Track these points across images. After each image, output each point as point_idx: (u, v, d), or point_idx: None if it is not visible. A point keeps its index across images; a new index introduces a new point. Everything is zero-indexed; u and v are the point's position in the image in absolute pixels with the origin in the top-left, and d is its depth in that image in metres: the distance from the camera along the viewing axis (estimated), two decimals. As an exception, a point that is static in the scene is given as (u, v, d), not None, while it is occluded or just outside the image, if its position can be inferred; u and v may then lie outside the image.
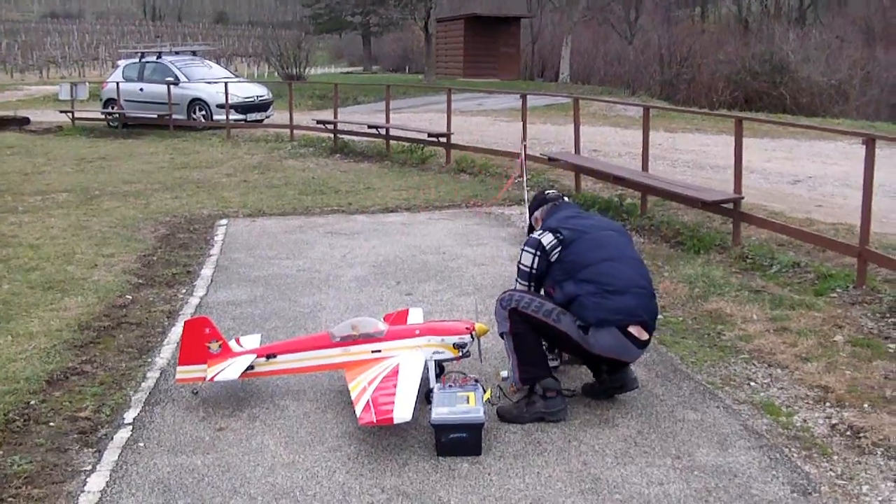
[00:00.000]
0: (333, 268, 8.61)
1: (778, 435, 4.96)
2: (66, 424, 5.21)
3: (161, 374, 5.95)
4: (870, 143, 7.47)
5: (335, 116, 17.74)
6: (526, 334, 5.09)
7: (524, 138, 12.59)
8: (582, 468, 4.56)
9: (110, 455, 4.80)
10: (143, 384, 5.79)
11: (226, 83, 20.24)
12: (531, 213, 5.67)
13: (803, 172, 14.00)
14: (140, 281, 8.22)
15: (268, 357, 5.50)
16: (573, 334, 5.01)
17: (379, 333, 5.47)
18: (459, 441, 4.68)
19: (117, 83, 22.50)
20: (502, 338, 5.24)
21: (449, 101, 15.25)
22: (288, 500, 4.28)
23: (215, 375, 5.27)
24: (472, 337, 5.49)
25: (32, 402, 5.47)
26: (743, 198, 9.18)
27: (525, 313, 5.07)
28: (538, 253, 5.14)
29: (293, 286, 7.96)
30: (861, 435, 4.93)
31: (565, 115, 23.47)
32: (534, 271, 5.18)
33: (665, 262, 8.73)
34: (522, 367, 5.10)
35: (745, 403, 5.39)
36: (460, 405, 4.79)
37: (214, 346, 5.48)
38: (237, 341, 5.72)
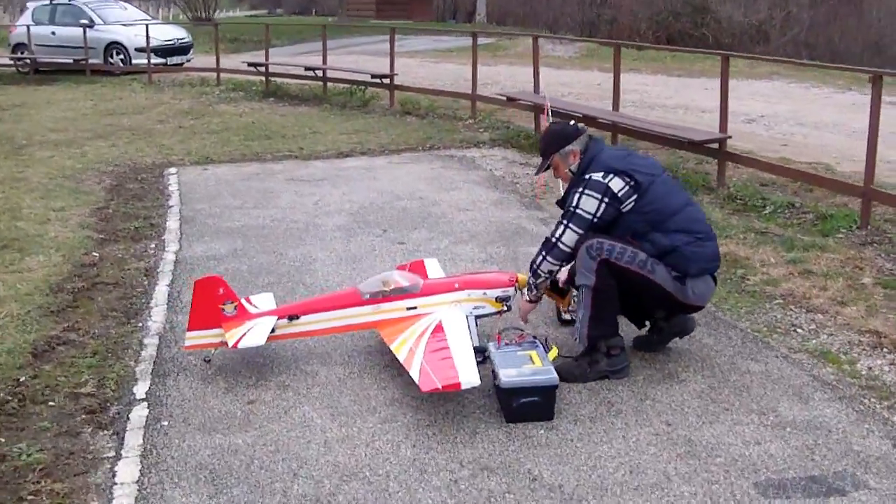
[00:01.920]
0: (309, 217, 8.02)
1: (850, 385, 4.69)
2: (68, 403, 4.58)
3: (160, 340, 5.34)
4: (876, 79, 7.20)
5: (266, 59, 16.82)
6: (608, 289, 4.61)
7: (543, 88, 12.02)
8: (668, 429, 4.20)
9: (133, 438, 4.21)
10: (142, 353, 5.18)
11: (146, 25, 19.03)
12: (557, 149, 4.90)
13: (753, 112, 13.85)
14: (102, 236, 7.50)
15: (290, 318, 4.94)
16: (668, 285, 4.61)
17: (414, 288, 4.97)
18: (531, 405, 4.26)
19: (27, 27, 21.02)
20: (577, 290, 4.73)
21: (392, 42, 14.70)
22: (358, 481, 3.79)
23: (238, 341, 4.70)
24: (515, 289, 5.03)
25: (23, 379, 4.82)
26: (730, 137, 8.91)
27: (618, 265, 4.57)
28: (606, 199, 4.56)
29: (273, 238, 7.37)
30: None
31: (492, 55, 23.04)
32: (596, 220, 4.59)
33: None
34: (594, 324, 4.66)
35: (802, 352, 5.10)
36: (526, 366, 4.36)
37: (229, 308, 4.89)
38: (248, 301, 5.11)
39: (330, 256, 6.90)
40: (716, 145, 8.90)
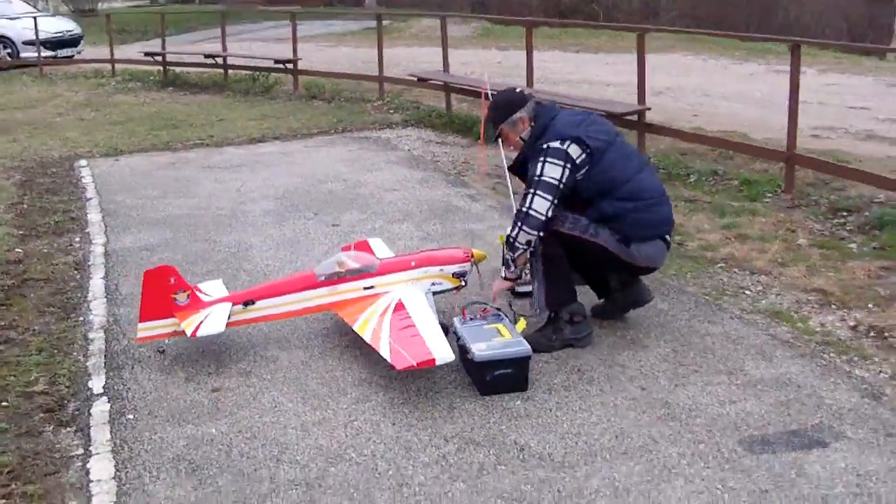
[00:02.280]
0: (234, 203, 7.85)
1: (807, 342, 4.83)
2: (22, 403, 4.38)
3: (106, 333, 5.14)
4: (795, 48, 7.45)
5: (163, 48, 16.33)
6: (557, 257, 4.67)
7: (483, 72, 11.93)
8: (643, 393, 4.25)
9: (100, 433, 4.05)
10: (90, 347, 4.98)
11: (34, 18, 18.23)
12: (505, 118, 4.84)
13: (659, 84, 14.04)
14: (22, 232, 7.18)
15: (245, 304, 4.82)
16: (611, 247, 4.64)
17: (370, 268, 4.91)
18: (505, 377, 4.26)
19: None
20: (528, 260, 4.76)
21: (294, 28, 14.53)
22: (345, 463, 3.73)
23: (196, 329, 4.55)
24: (471, 265, 5.02)
25: (-34, 382, 4.54)
26: (650, 108, 9.04)
27: (559, 231, 4.61)
28: (568, 166, 4.55)
29: (202, 226, 7.18)
30: (887, 334, 4.85)
31: (387, 37, 22.76)
32: (562, 186, 4.57)
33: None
34: (550, 292, 4.69)
35: (754, 313, 5.24)
36: (496, 339, 4.34)
37: (182, 298, 4.73)
38: (198, 289, 4.96)
39: (265, 242, 6.75)
40: (635, 117, 9.00)
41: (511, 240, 4.68)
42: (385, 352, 4.25)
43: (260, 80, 14.61)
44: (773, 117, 9.97)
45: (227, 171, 9.16)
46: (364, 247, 5.79)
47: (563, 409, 4.12)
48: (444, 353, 4.15)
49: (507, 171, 5.04)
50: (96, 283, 5.97)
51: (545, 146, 4.60)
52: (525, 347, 4.27)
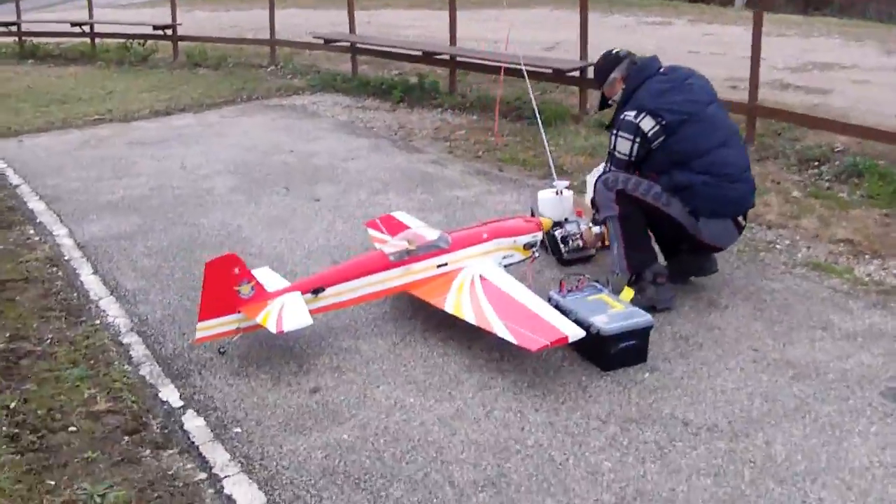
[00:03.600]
0: (189, 182, 7.29)
1: (867, 292, 4.93)
2: (93, 426, 3.88)
3: (141, 337, 4.61)
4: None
5: (18, 17, 14.93)
6: (634, 217, 4.58)
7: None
8: (759, 355, 4.28)
9: (214, 453, 3.63)
10: (132, 354, 4.46)
11: None
12: (603, 80, 4.86)
13: (545, 39, 14.07)
14: (-40, 229, 6.35)
15: (315, 292, 4.43)
16: (682, 220, 4.56)
17: (442, 244, 4.61)
18: (629, 350, 4.11)
19: None
20: (604, 224, 4.64)
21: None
22: (517, 456, 3.55)
23: (279, 323, 4.12)
24: (543, 234, 4.82)
25: (13, 405, 3.97)
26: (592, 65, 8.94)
27: (633, 196, 4.52)
28: (637, 139, 4.52)
29: (170, 208, 6.63)
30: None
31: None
32: (632, 159, 4.57)
33: (533, 136, 8.36)
34: (630, 252, 4.59)
35: (800, 266, 5.34)
36: (611, 310, 4.17)
37: (246, 290, 4.29)
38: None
39: (252, 221, 6.29)
40: (577, 73, 8.93)
41: (593, 202, 4.76)
42: (505, 334, 4.00)
43: (134, 48, 13.58)
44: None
45: (154, 148, 8.50)
46: (391, 220, 5.46)
47: (695, 377, 4.01)
48: (574, 330, 3.95)
49: (606, 129, 4.90)
50: (91, 280, 5.37)
51: (622, 117, 4.58)
52: (648, 317, 4.14)
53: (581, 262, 5.20)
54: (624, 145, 4.54)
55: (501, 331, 4.05)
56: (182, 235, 6.04)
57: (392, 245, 4.64)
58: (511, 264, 4.81)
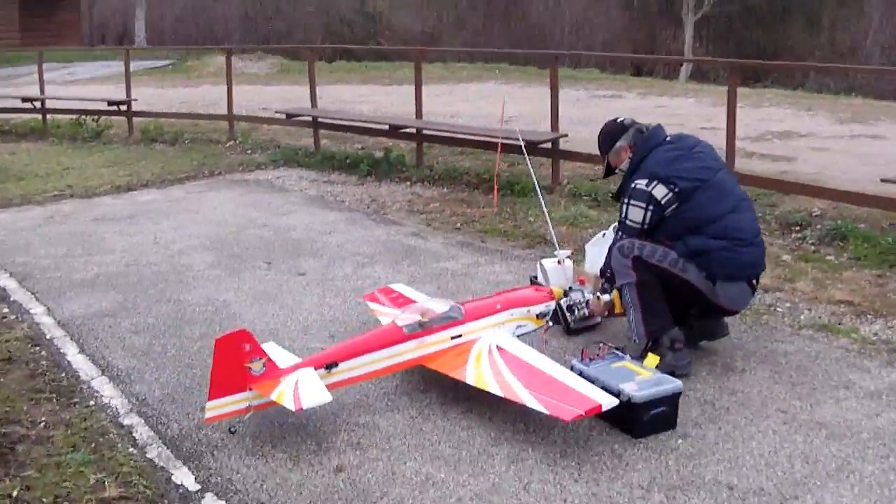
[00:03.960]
0: (165, 257, 7.10)
1: (879, 350, 4.94)
2: (109, 513, 3.59)
3: (142, 418, 4.40)
4: (733, 71, 7.65)
5: (-39, 92, 14.65)
6: (651, 283, 4.53)
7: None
8: (788, 416, 4.26)
9: (246, 537, 3.37)
10: (136, 436, 4.24)
11: None
12: (608, 148, 4.86)
13: (523, 111, 14.16)
14: (-71, 309, 6.05)
15: (328, 367, 4.27)
16: (700, 284, 4.53)
17: (456, 315, 4.50)
18: (660, 416, 4.02)
19: None
20: (621, 291, 4.55)
21: (127, 66, 13.42)
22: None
23: (297, 400, 3.96)
24: (555, 304, 4.76)
25: (15, 494, 3.71)
26: (566, 135, 9.06)
27: (650, 262, 4.46)
28: (650, 207, 4.51)
29: (150, 284, 6.43)
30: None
31: (188, 76, 21.91)
32: (645, 227, 4.56)
33: (510, 208, 8.44)
34: (648, 318, 4.53)
35: (806, 328, 5.32)
36: (638, 377, 4.11)
37: (257, 366, 4.12)
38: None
39: (238, 297, 6.11)
40: (549, 145, 9.00)
41: (609, 274, 4.74)
42: (535, 405, 3.90)
43: (87, 124, 13.37)
44: None
45: (122, 223, 8.29)
46: (390, 293, 5.36)
47: (729, 441, 3.95)
48: (606, 398, 3.85)
49: (612, 199, 4.87)
50: (79, 360, 5.15)
51: (633, 185, 4.57)
52: (678, 383, 4.06)
53: (587, 331, 5.12)
54: (636, 213, 4.53)
55: (531, 402, 3.93)
56: (168, 312, 5.83)
57: (405, 317, 4.51)
58: (525, 334, 4.70)
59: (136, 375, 4.87)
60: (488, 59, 23.61)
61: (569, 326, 5.10)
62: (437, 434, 4.10)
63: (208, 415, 4.05)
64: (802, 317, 5.43)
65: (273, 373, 4.16)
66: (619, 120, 4.84)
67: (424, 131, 10.34)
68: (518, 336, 4.68)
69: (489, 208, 8.28)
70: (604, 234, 5.54)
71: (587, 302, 4.98)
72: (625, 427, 4.02)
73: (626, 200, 4.58)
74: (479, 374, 4.24)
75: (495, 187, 8.54)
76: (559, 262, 5.41)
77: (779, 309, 5.59)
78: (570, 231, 7.51)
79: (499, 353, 4.37)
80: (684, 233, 4.50)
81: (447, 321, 4.51)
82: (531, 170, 6.38)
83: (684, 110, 14.65)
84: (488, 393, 4.12)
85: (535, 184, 6.19)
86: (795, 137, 11.74)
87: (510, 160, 10.29)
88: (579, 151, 9.19)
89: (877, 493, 3.49)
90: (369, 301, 5.41)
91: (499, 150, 8.41)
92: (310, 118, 11.37)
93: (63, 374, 4.94)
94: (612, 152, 4.79)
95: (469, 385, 4.23)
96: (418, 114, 10.37)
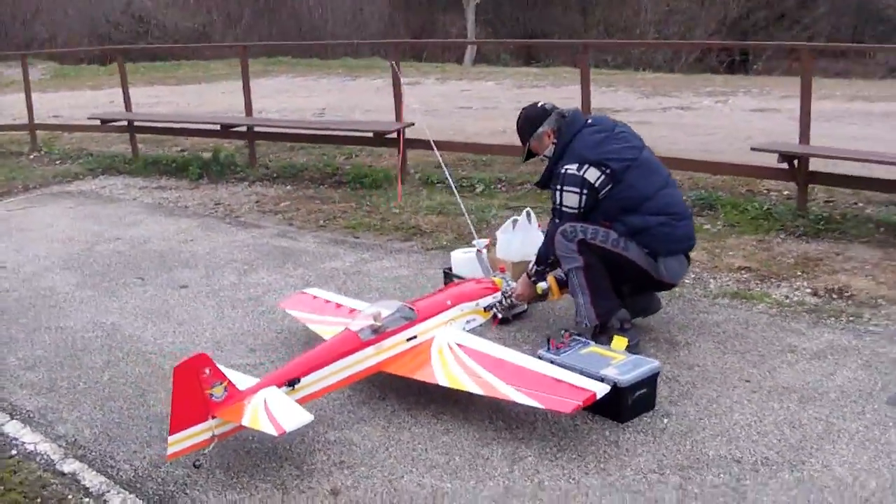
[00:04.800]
0: (19, 283, 6.50)
1: (800, 313, 5.16)
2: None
3: (84, 462, 3.97)
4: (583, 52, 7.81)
5: None
6: (597, 266, 4.54)
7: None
8: (752, 385, 4.32)
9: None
10: (86, 484, 3.82)
11: None
12: (530, 133, 4.75)
13: (313, 106, 13.95)
14: None
15: (290, 384, 4.01)
16: (641, 262, 4.59)
17: (409, 316, 4.35)
18: (643, 398, 4.05)
19: None
20: (567, 275, 4.53)
21: None
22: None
23: (275, 425, 3.66)
24: (501, 294, 4.70)
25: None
26: (412, 124, 8.98)
27: (594, 244, 4.47)
28: (585, 191, 4.49)
29: (19, 313, 5.91)
30: (846, 293, 5.36)
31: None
32: (581, 210, 4.53)
33: (367, 201, 8.25)
34: (598, 301, 4.54)
35: (720, 297, 5.47)
36: (614, 361, 4.11)
37: (219, 391, 3.81)
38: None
39: (126, 318, 5.64)
40: (395, 135, 8.89)
41: (540, 258, 4.71)
42: (527, 401, 3.82)
43: None
44: (463, 122, 10.46)
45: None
46: (308, 298, 5.12)
47: (712, 416, 4.05)
48: (598, 385, 3.82)
49: (535, 186, 4.76)
50: (-27, 409, 4.52)
51: (563, 170, 4.54)
52: (655, 363, 4.09)
53: (516, 320, 5.06)
54: (571, 199, 4.51)
55: (519, 398, 3.83)
56: (55, 342, 5.28)
57: (358, 323, 4.27)
58: (473, 329, 4.58)
59: (52, 416, 4.37)
60: (270, 54, 23.03)
61: (497, 315, 5.01)
62: (419, 441, 3.92)
63: (171, 450, 3.67)
64: (711, 286, 5.61)
65: (235, 396, 3.83)
66: (539, 104, 4.78)
67: (256, 128, 9.89)
68: (468, 330, 4.53)
69: (394, 202, 8.07)
70: (515, 220, 5.48)
71: (511, 290, 4.91)
72: (610, 413, 3.97)
73: (558, 187, 4.53)
74: (450, 374, 4.08)
75: (399, 180, 8.36)
76: (478, 251, 5.30)
77: (686, 280, 5.73)
78: (442, 220, 7.42)
79: (462, 351, 4.24)
80: (620, 213, 4.53)
81: (402, 323, 4.32)
82: (442, 161, 6.20)
83: (490, 93, 14.91)
84: (457, 393, 3.98)
85: (449, 178, 6.06)
86: (612, 113, 12.19)
87: (346, 152, 10.13)
88: (419, 139, 9.12)
89: (872, 449, 3.63)
90: (289, 309, 5.11)
91: (401, 144, 8.11)
92: (125, 122, 10.59)
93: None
94: (534, 137, 4.70)
95: (441, 387, 4.04)
96: (248, 111, 9.90)
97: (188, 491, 3.63)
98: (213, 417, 3.72)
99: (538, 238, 5.08)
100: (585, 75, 7.77)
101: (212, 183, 9.62)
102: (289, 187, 9.24)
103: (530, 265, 4.79)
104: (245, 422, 3.69)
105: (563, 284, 4.74)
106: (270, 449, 3.88)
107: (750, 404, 4.08)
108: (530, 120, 4.72)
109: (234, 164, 9.97)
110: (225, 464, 3.79)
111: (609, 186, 4.50)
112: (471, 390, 3.95)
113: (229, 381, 3.81)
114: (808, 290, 5.46)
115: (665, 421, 3.97)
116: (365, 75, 18.34)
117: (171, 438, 3.63)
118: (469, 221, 5.74)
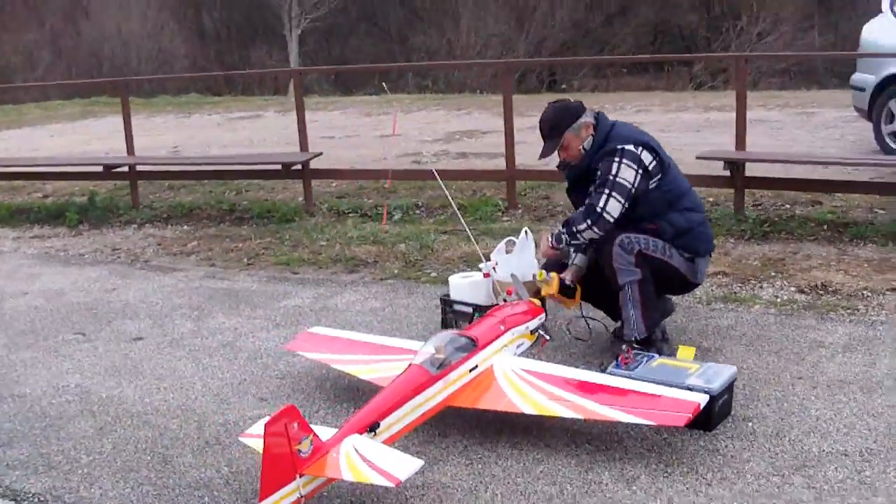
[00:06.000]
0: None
1: (798, 309, 5.30)
2: None
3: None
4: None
5: None
6: (649, 278, 4.48)
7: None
8: (810, 380, 4.36)
9: None
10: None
11: None
12: (571, 122, 4.50)
13: (164, 143, 13.29)
14: None
15: (371, 429, 3.71)
16: (682, 268, 4.58)
17: (469, 345, 4.16)
18: (725, 405, 4.01)
19: None
20: (622, 290, 4.44)
21: None
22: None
23: (387, 475, 3.37)
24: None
25: None
26: (320, 154, 8.72)
27: (647, 254, 4.42)
28: (640, 171, 4.37)
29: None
30: (830, 289, 5.57)
31: None
32: (633, 190, 4.37)
33: (288, 236, 7.96)
34: (648, 314, 4.48)
35: (713, 301, 5.54)
36: (690, 371, 4.06)
37: (306, 446, 3.46)
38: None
39: (93, 378, 5.10)
40: (300, 166, 8.60)
41: (575, 231, 4.48)
42: (635, 420, 3.70)
43: None
44: (336, 152, 10.47)
45: None
46: (318, 338, 4.83)
47: (790, 414, 4.06)
48: (699, 396, 3.75)
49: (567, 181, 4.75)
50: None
51: (619, 148, 4.39)
52: (733, 368, 4.08)
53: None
54: (628, 173, 4.35)
55: (624, 417, 3.70)
56: (20, 412, 4.67)
57: (422, 357, 4.00)
58: (522, 352, 4.41)
59: (70, 497, 3.83)
60: (83, 95, 21.88)
61: (545, 338, 4.78)
62: (516, 474, 3.72)
63: (262, 521, 3.26)
64: (698, 293, 5.58)
65: (320, 450, 3.47)
66: (570, 100, 4.66)
67: (139, 167, 9.26)
68: (517, 356, 4.36)
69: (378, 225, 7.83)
70: (510, 242, 5.32)
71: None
72: (695, 422, 3.88)
73: (615, 160, 4.34)
74: (533, 402, 3.89)
75: (384, 212, 8.09)
76: (485, 274, 5.13)
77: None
78: (379, 250, 7.19)
79: (533, 377, 4.06)
80: (667, 209, 4.46)
81: (463, 354, 4.08)
82: (447, 192, 5.95)
83: (341, 122, 14.77)
84: (512, 419, 3.91)
85: (452, 201, 5.84)
86: (478, 135, 12.32)
87: (234, 188, 9.72)
88: (329, 169, 8.89)
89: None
90: (302, 351, 4.76)
91: (389, 176, 7.83)
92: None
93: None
94: (573, 128, 4.47)
95: (527, 415, 3.85)
96: (129, 150, 9.25)
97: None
98: (301, 475, 3.34)
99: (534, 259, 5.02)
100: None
101: (94, 228, 8.92)
102: (185, 227, 8.71)
103: (555, 228, 4.63)
104: (346, 476, 3.36)
105: (563, 287, 4.58)
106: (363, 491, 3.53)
107: (818, 400, 4.10)
108: (571, 110, 4.52)
109: (116, 206, 9.27)
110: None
111: (658, 176, 4.42)
112: (564, 415, 3.78)
113: (315, 434, 3.45)
114: (793, 289, 5.60)
115: (749, 424, 3.93)
116: (196, 111, 17.71)
117: (262, 504, 3.22)
118: (476, 246, 5.51)
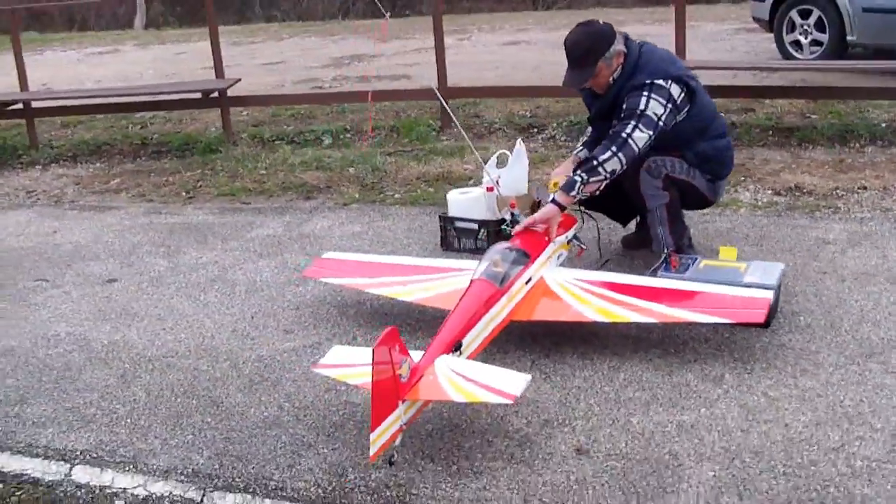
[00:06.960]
0: None
1: (781, 212, 5.46)
2: None
3: (253, 494, 3.33)
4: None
5: None
6: (677, 200, 4.47)
7: None
8: (838, 275, 4.50)
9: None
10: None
11: None
12: (606, 49, 4.26)
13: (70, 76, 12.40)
14: None
15: (456, 349, 3.63)
16: (703, 188, 4.56)
17: (523, 258, 4.12)
18: (777, 299, 4.12)
19: None
20: (650, 212, 4.46)
21: None
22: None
23: (500, 392, 3.30)
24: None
25: None
26: (240, 80, 8.35)
27: (673, 177, 4.42)
28: (669, 106, 4.23)
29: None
30: (805, 190, 5.80)
31: None
32: (661, 124, 4.25)
33: (222, 166, 7.63)
34: (675, 230, 4.50)
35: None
36: (739, 269, 4.15)
37: (405, 370, 3.34)
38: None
39: (81, 326, 4.76)
40: (216, 94, 8.20)
41: (597, 163, 4.22)
42: (712, 319, 3.74)
43: None
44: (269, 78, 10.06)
45: None
46: (333, 262, 4.69)
47: (834, 316, 4.12)
48: (765, 292, 3.83)
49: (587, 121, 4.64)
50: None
51: (648, 82, 4.23)
52: (782, 263, 4.18)
53: None
54: (657, 107, 4.19)
55: (698, 317, 3.74)
56: (19, 367, 4.32)
57: (486, 271, 3.91)
58: (562, 263, 4.38)
59: (124, 450, 3.57)
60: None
61: (582, 247, 4.69)
62: (605, 384, 3.69)
63: (373, 449, 3.11)
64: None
65: (416, 370, 3.35)
66: (598, 21, 4.45)
67: (35, 104, 8.57)
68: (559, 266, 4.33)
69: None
70: (502, 154, 5.25)
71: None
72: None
73: (644, 94, 4.19)
74: (601, 309, 3.87)
75: (370, 125, 7.92)
76: (488, 188, 5.06)
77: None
78: (329, 175, 6.99)
79: (592, 285, 4.04)
80: (695, 137, 4.40)
81: (520, 266, 4.01)
82: (451, 114, 5.74)
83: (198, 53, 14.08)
84: (562, 329, 3.88)
85: (456, 123, 5.61)
86: (366, 58, 12.08)
87: (140, 121, 9.19)
88: (254, 95, 8.55)
89: None
90: (324, 278, 4.59)
91: (370, 96, 7.37)
92: None
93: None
94: (606, 58, 4.28)
95: (598, 322, 3.83)
96: (23, 85, 8.53)
97: (415, 490, 3.11)
98: (403, 401, 3.22)
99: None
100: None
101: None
102: (99, 164, 8.21)
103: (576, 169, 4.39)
104: (455, 398, 3.25)
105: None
106: (459, 428, 3.43)
107: (851, 292, 4.24)
108: (606, 36, 4.25)
109: (12, 147, 8.58)
110: (428, 455, 3.29)
111: (688, 107, 4.32)
112: (637, 321, 3.77)
113: (410, 356, 3.32)
114: (769, 192, 5.78)
115: (802, 318, 4.03)
116: (46, 49, 16.60)
117: (372, 435, 3.08)
118: (480, 160, 5.37)
